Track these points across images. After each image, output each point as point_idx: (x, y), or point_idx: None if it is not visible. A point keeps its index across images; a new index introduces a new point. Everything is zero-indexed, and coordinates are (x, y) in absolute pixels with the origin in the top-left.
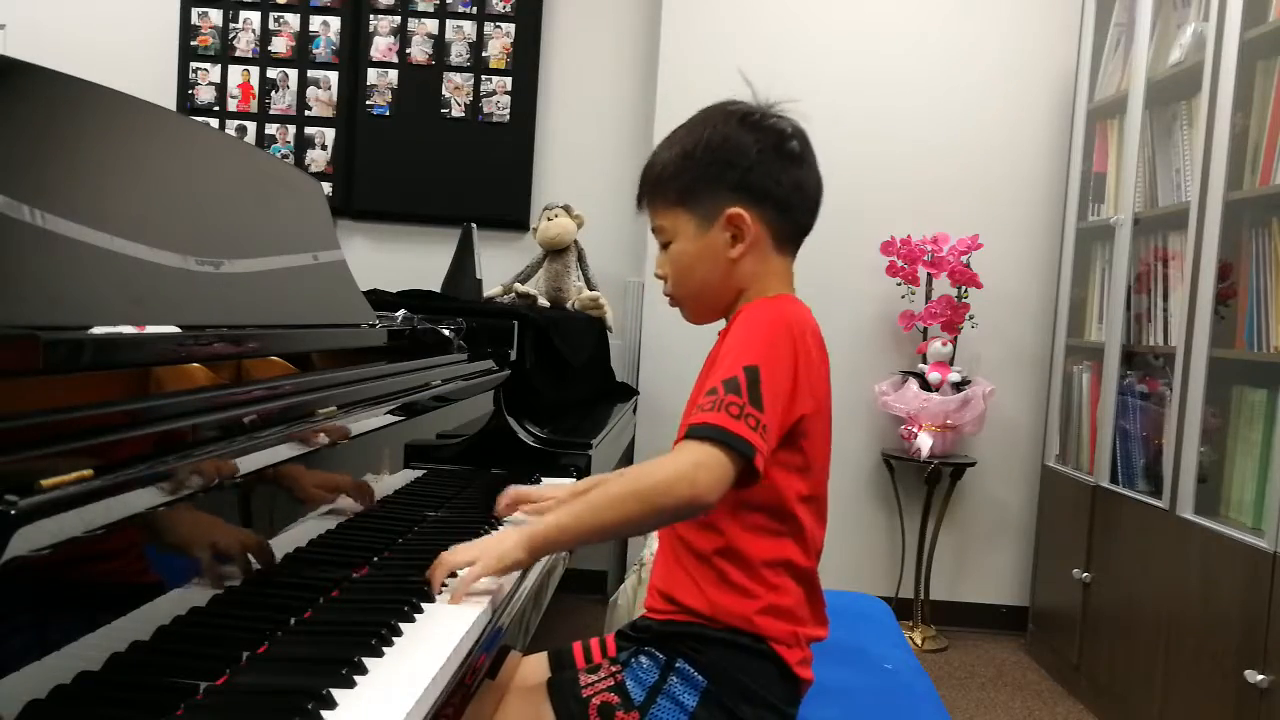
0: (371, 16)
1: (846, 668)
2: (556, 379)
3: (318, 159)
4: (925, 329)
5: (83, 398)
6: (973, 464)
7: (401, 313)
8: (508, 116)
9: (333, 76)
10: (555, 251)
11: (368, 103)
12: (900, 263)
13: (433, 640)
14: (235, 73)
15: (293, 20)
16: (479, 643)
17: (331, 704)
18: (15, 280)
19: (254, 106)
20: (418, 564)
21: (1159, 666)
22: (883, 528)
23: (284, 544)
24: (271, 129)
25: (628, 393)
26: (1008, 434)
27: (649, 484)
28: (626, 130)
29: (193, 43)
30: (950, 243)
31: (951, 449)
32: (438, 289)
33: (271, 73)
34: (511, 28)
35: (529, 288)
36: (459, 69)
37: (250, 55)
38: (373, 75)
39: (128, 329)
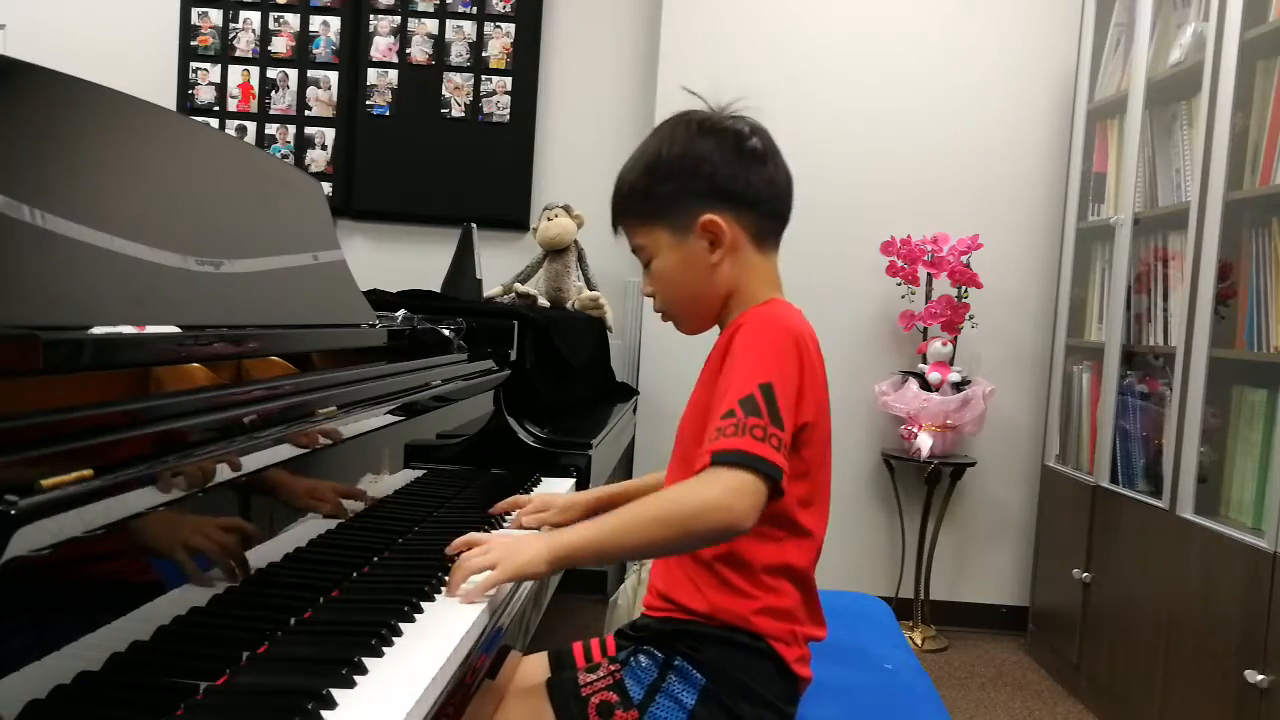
0: (371, 16)
1: (846, 668)
2: (556, 379)
3: (318, 159)
4: (925, 329)
5: (83, 398)
6: (973, 464)
7: (401, 313)
8: (508, 116)
9: (333, 76)
10: (555, 251)
11: (368, 103)
12: (900, 263)
13: (433, 640)
14: (235, 73)
15: (293, 20)
16: (479, 643)
17: (331, 704)
18: (15, 280)
19: (254, 106)
20: (418, 564)
21: (1159, 666)
22: (883, 528)
23: (284, 544)
24: (271, 129)
25: (628, 393)
26: (1008, 434)
27: (685, 511)
28: (626, 130)
29: (193, 43)
30: (950, 243)
31: (951, 449)
32: (438, 289)
33: (271, 73)
34: (511, 28)
35: (529, 288)
36: (459, 69)
37: (250, 55)
38: (373, 75)
39: (128, 329)
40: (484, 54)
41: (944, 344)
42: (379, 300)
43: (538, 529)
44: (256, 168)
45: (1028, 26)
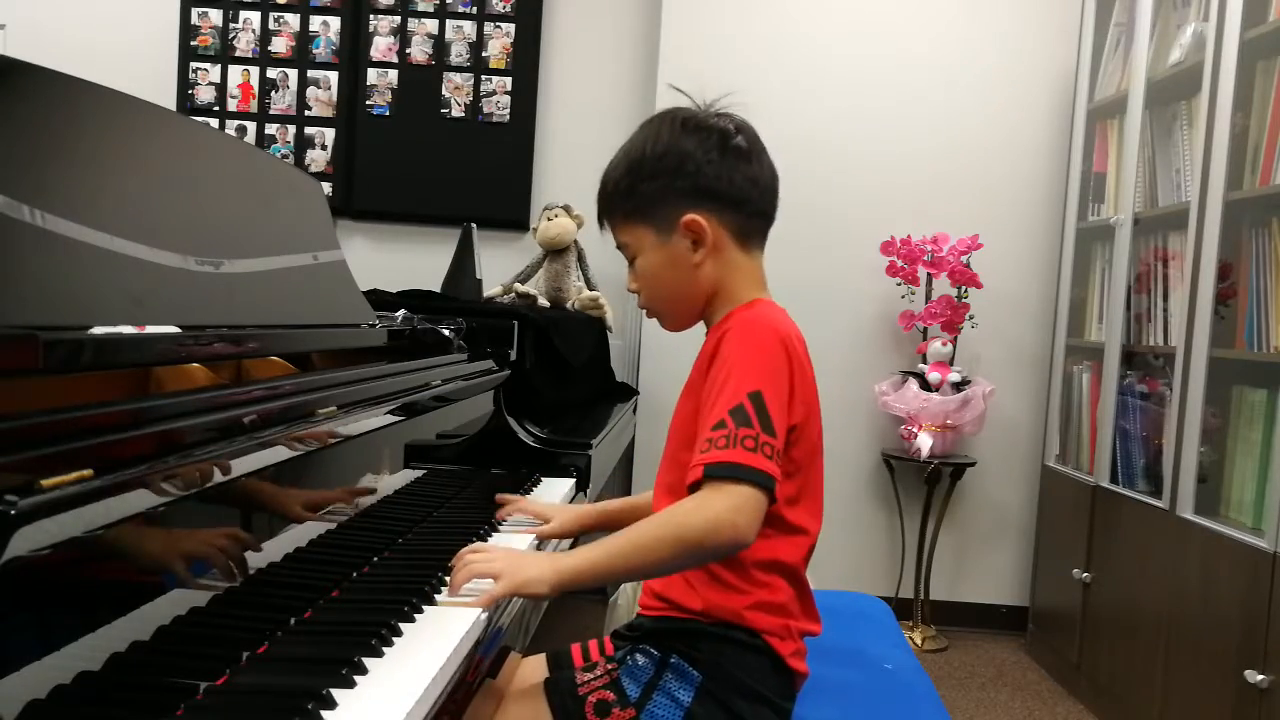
0: (371, 16)
1: (846, 668)
2: (556, 379)
3: (318, 159)
4: (925, 329)
5: (83, 398)
6: (973, 464)
7: (401, 313)
8: (508, 116)
9: (333, 76)
10: (555, 251)
11: (368, 103)
12: (900, 263)
13: (433, 640)
14: (235, 73)
15: (293, 20)
16: (479, 643)
17: (331, 704)
18: (15, 280)
19: (254, 106)
20: (418, 564)
21: (1159, 666)
22: (883, 528)
23: (284, 544)
24: (271, 129)
25: (628, 393)
26: (1008, 434)
27: (691, 534)
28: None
29: (193, 43)
30: (950, 243)
31: (951, 449)
32: (438, 289)
33: (271, 73)
34: (511, 28)
35: (529, 288)
36: (459, 69)
37: (250, 55)
38: (373, 75)
39: (128, 329)
40: (484, 54)
41: (944, 344)
42: (379, 300)
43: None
44: (256, 168)
45: (1028, 26)
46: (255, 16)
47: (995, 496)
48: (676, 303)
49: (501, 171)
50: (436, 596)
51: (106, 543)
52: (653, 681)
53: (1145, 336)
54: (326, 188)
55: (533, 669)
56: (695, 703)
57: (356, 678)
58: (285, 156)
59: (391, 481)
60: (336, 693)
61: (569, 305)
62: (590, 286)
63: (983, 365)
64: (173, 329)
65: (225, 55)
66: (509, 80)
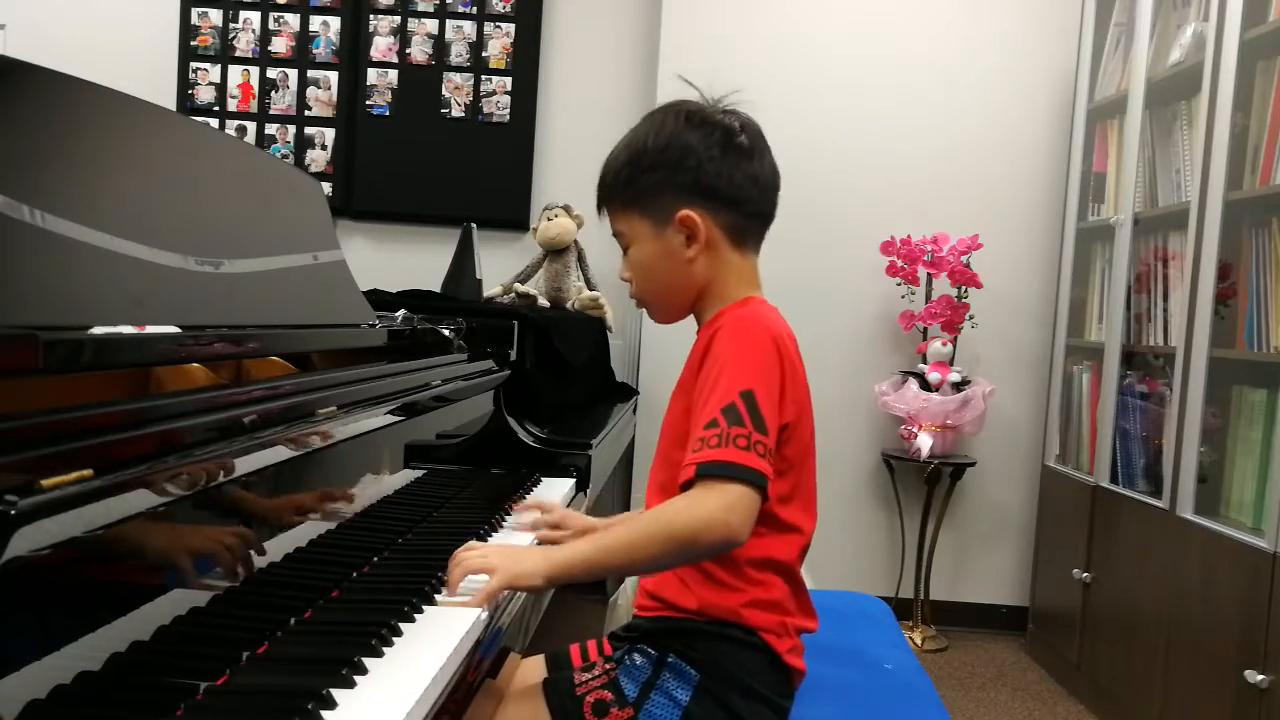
0: (371, 16)
1: (846, 668)
2: (556, 379)
3: (318, 159)
4: (925, 329)
5: (83, 398)
6: (973, 464)
7: (401, 313)
8: (508, 116)
9: (333, 76)
10: (555, 251)
11: (368, 103)
12: (900, 263)
13: (433, 641)
14: (235, 73)
15: (293, 20)
16: (479, 643)
17: (331, 704)
18: (15, 280)
19: (254, 106)
20: (418, 564)
21: (1159, 666)
22: (883, 528)
23: (284, 544)
24: (271, 129)
25: (628, 393)
26: (1008, 434)
27: (684, 531)
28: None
29: (193, 43)
30: (950, 243)
31: (951, 449)
32: (438, 289)
33: (271, 73)
34: (511, 28)
35: (529, 288)
36: (459, 69)
37: (250, 55)
38: (373, 75)
39: (128, 329)
40: (484, 54)
41: (944, 344)
42: (379, 300)
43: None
44: (256, 168)
45: (1028, 27)
46: (255, 16)
47: (995, 496)
48: (666, 295)
49: (501, 171)
50: (436, 596)
51: (106, 543)
52: (650, 681)
53: (1145, 336)
54: (326, 188)
55: (532, 669)
56: (693, 702)
57: (356, 678)
58: (285, 156)
59: (391, 481)
60: (336, 693)
61: (569, 305)
62: (590, 286)
63: (983, 365)
64: (173, 329)
65: (225, 55)
66: (509, 80)
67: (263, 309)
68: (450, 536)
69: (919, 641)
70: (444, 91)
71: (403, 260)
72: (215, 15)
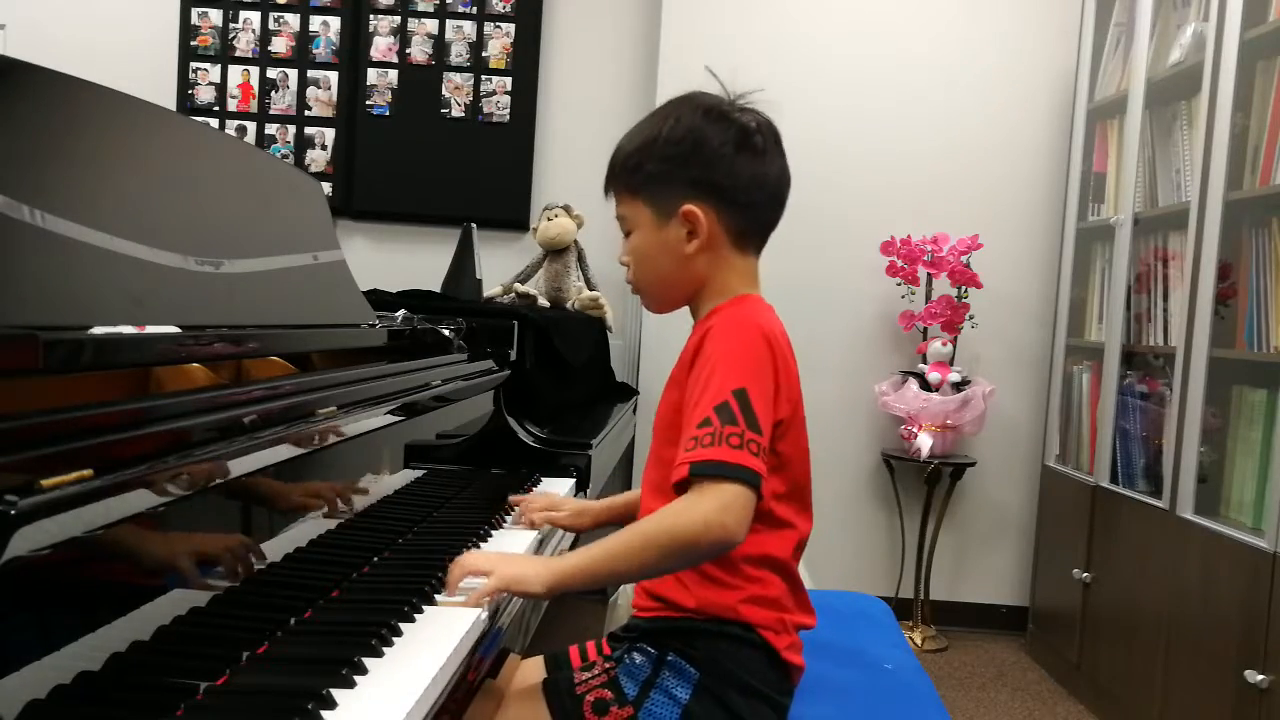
0: (371, 16)
1: (846, 668)
2: (556, 379)
3: (318, 159)
4: (925, 329)
5: (83, 398)
6: (973, 464)
7: (401, 313)
8: (508, 116)
9: (333, 76)
10: (555, 251)
11: (368, 103)
12: (900, 263)
13: (433, 641)
14: (235, 73)
15: (293, 20)
16: (479, 643)
17: (331, 704)
18: (15, 280)
19: (254, 106)
20: (418, 564)
21: (1159, 666)
22: (883, 528)
23: (284, 544)
24: (271, 129)
25: (628, 393)
26: (1008, 434)
27: (682, 537)
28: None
29: (193, 43)
30: (950, 243)
31: (951, 449)
32: (438, 289)
33: (271, 73)
34: (511, 28)
35: (529, 288)
36: (459, 69)
37: (250, 55)
38: (373, 75)
39: (128, 329)
40: (484, 54)
41: (944, 344)
42: (379, 300)
43: (542, 526)
44: (256, 168)
45: (1028, 27)
46: (255, 16)
47: (995, 496)
48: (661, 286)
49: (501, 171)
50: (436, 596)
51: (106, 543)
52: (650, 679)
53: (1145, 336)
54: (326, 188)
55: (532, 670)
56: (693, 700)
57: (356, 678)
58: (285, 156)
59: (391, 481)
60: (336, 693)
61: (569, 305)
62: (590, 286)
63: (983, 365)
64: (173, 329)
65: (225, 55)
66: (509, 80)
67: (263, 309)
68: (450, 536)
69: (919, 641)
70: (444, 91)
71: (403, 260)
72: (215, 15)
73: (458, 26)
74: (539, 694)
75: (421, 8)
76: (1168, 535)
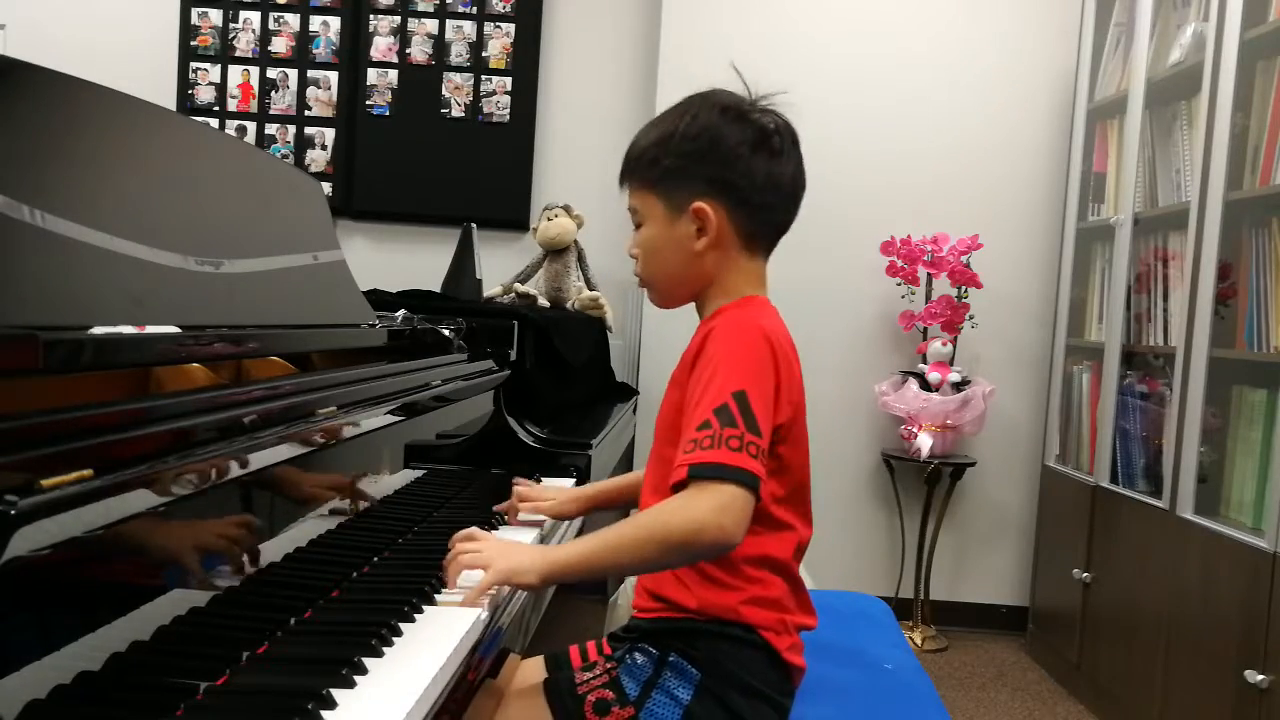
0: (371, 16)
1: (846, 668)
2: (556, 379)
3: (318, 159)
4: (925, 329)
5: (83, 398)
6: (973, 464)
7: (401, 313)
8: (508, 116)
9: (333, 76)
10: (555, 251)
11: (368, 103)
12: (900, 263)
13: (433, 641)
14: (235, 73)
15: (293, 20)
16: (479, 643)
17: (331, 704)
18: (15, 280)
19: (254, 106)
20: (418, 564)
21: (1159, 666)
22: (883, 528)
23: (284, 544)
24: (271, 129)
25: (628, 393)
26: (1008, 434)
27: (678, 534)
28: (626, 130)
29: (193, 43)
30: (950, 243)
31: (951, 449)
32: (438, 289)
33: (271, 73)
34: (511, 28)
35: (529, 288)
36: (459, 69)
37: (250, 55)
38: (373, 75)
39: (128, 329)
40: (484, 54)
41: (944, 344)
42: (379, 300)
43: (535, 517)
44: (256, 168)
45: (1028, 27)
46: (255, 16)
47: (995, 496)
48: (668, 281)
49: (501, 171)
50: (437, 596)
51: (106, 543)
52: (652, 680)
53: (1145, 336)
54: (326, 188)
55: (532, 670)
56: (694, 700)
57: (356, 678)
58: (285, 156)
59: (391, 481)
60: (336, 693)
61: (569, 305)
62: (590, 286)
63: (983, 365)
64: (173, 329)
65: (225, 55)
66: (509, 80)
67: (263, 309)
68: (450, 536)
69: (919, 641)
70: (444, 91)
71: (403, 260)
72: (215, 15)
73: (458, 26)
74: (539, 694)
75: (421, 8)
76: (1168, 535)
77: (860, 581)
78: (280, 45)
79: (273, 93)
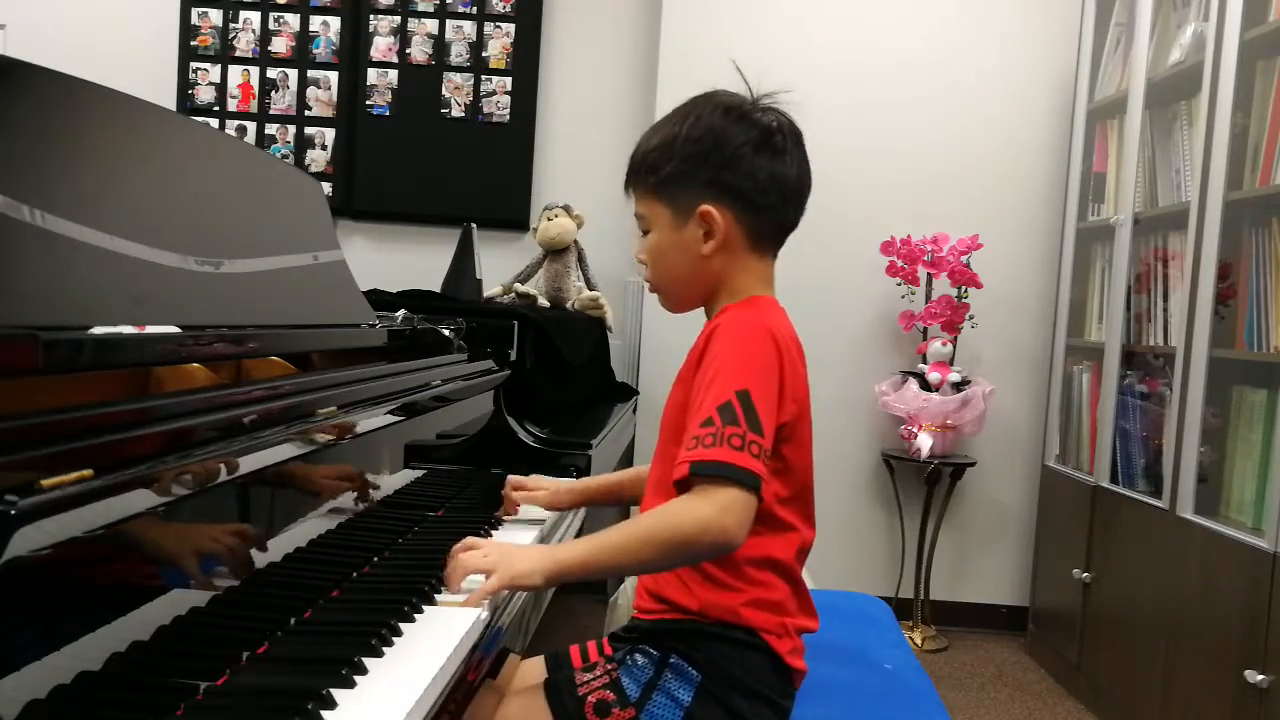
0: (371, 16)
1: (846, 668)
2: (556, 379)
3: (318, 159)
4: (925, 329)
5: (83, 398)
6: (973, 464)
7: (401, 313)
8: (508, 116)
9: (333, 76)
10: (555, 251)
11: (368, 103)
12: (900, 263)
13: (433, 640)
14: (235, 73)
15: (293, 20)
16: (479, 643)
17: (331, 704)
18: (15, 280)
19: (254, 106)
20: (418, 564)
21: (1159, 666)
22: (883, 528)
23: (284, 544)
24: (271, 129)
25: (628, 393)
26: (1008, 434)
27: (680, 534)
28: (626, 130)
29: (193, 43)
30: (950, 243)
31: (951, 449)
32: (438, 289)
33: (271, 73)
34: (511, 28)
35: (529, 288)
36: (459, 69)
37: (250, 55)
38: (373, 75)
39: (128, 329)
40: (484, 54)
41: (944, 344)
42: (379, 300)
43: (535, 514)
44: (256, 168)
45: (1028, 27)
46: (255, 16)
47: (995, 496)
48: (677, 285)
49: (501, 171)
50: (437, 596)
51: (106, 543)
52: (652, 681)
53: (1145, 336)
54: (326, 188)
55: (531, 670)
56: (695, 702)
57: (356, 678)
58: (285, 156)
59: (391, 481)
60: (336, 693)
61: (569, 305)
62: (590, 286)
63: (983, 365)
64: (173, 329)
65: (225, 55)
66: (509, 80)
67: (263, 309)
68: (450, 536)
69: (919, 641)
70: (444, 91)
71: (403, 260)
72: (215, 15)
73: (458, 26)
74: (539, 694)
75: (421, 8)
76: (1168, 535)
77: (860, 581)
78: (280, 45)
79: (273, 93)
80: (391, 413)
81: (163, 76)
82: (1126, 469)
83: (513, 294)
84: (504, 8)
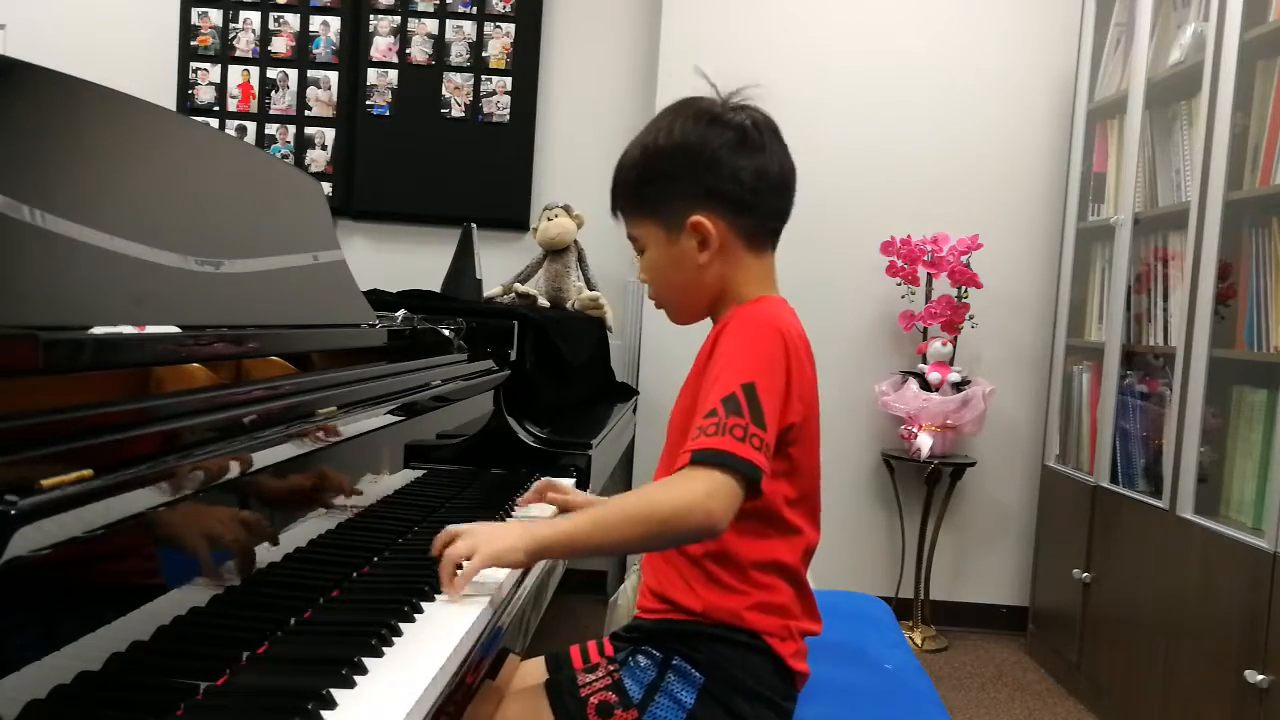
0: (371, 16)
1: (846, 668)
2: (556, 379)
3: (318, 159)
4: (925, 329)
5: (83, 398)
6: (973, 464)
7: (401, 313)
8: (508, 116)
9: (333, 76)
10: (555, 251)
11: (368, 103)
12: (900, 263)
13: (433, 640)
14: (235, 73)
15: (293, 20)
16: (479, 643)
17: (331, 704)
18: (15, 280)
19: (254, 106)
20: (418, 564)
21: (1159, 666)
22: (883, 528)
23: (284, 544)
24: (271, 129)
25: (628, 393)
26: (1008, 434)
27: (663, 511)
28: (626, 130)
29: (193, 43)
30: (950, 243)
31: (951, 449)
32: (438, 289)
33: (271, 73)
34: (511, 28)
35: (529, 288)
36: (459, 69)
37: (250, 55)
38: (373, 75)
39: (128, 329)
40: (484, 54)
41: (944, 344)
42: (379, 300)
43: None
44: (256, 168)
45: (1028, 27)
46: (255, 16)
47: (995, 496)
48: (682, 298)
49: (501, 171)
50: (437, 596)
51: (106, 543)
52: (655, 683)
53: (1145, 336)
54: (326, 188)
55: (532, 671)
56: (697, 704)
57: (356, 678)
58: (285, 156)
59: (391, 481)
60: (336, 693)
61: (569, 305)
62: (590, 286)
63: (983, 365)
64: (173, 329)
65: (225, 55)
66: (509, 80)
67: (263, 309)
68: None
69: (919, 641)
70: (444, 91)
71: (403, 260)
72: (215, 15)
73: (458, 26)
74: (540, 694)
75: (421, 8)
76: (1168, 535)
77: (860, 581)
78: (280, 45)
79: (273, 93)
80: (391, 413)
81: (163, 76)
82: (1126, 469)
83: (513, 294)
84: (504, 8)
